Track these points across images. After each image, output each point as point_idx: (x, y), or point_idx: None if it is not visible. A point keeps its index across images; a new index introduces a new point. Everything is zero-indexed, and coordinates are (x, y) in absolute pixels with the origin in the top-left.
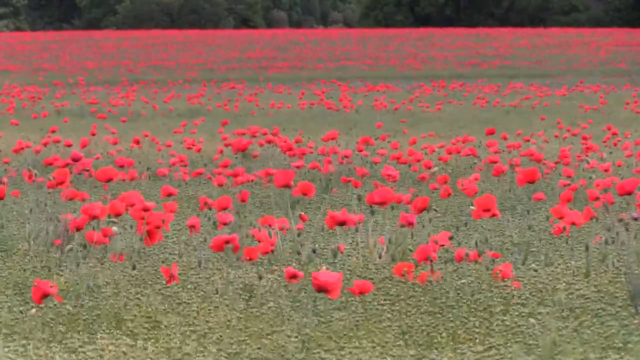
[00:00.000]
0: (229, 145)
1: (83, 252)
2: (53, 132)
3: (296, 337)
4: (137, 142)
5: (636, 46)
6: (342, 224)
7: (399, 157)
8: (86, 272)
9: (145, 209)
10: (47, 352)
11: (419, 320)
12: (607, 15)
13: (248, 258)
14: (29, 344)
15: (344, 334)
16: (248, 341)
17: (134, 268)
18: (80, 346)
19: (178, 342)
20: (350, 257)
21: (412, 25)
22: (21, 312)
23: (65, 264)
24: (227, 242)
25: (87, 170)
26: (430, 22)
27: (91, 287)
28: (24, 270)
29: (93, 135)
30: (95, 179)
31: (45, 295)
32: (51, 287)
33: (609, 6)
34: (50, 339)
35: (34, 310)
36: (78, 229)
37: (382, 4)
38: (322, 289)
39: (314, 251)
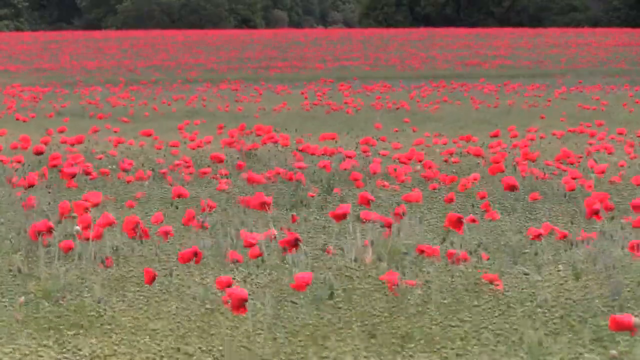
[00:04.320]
0: (232, 147)
1: (60, 254)
2: (62, 132)
3: (273, 339)
4: (138, 142)
5: (636, 46)
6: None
7: (400, 157)
8: (62, 274)
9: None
10: (39, 348)
11: (395, 323)
12: (607, 15)
13: (235, 260)
14: (22, 340)
15: (320, 336)
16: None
17: (79, 258)
18: (72, 343)
19: (159, 342)
20: (335, 258)
21: (412, 25)
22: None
23: (38, 266)
24: (194, 254)
25: (88, 171)
26: (430, 22)
27: (69, 289)
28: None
29: (95, 132)
30: (94, 178)
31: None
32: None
33: (608, 6)
34: (34, 337)
35: (22, 299)
36: (50, 230)
37: (382, 4)
38: (242, 302)
39: (304, 252)
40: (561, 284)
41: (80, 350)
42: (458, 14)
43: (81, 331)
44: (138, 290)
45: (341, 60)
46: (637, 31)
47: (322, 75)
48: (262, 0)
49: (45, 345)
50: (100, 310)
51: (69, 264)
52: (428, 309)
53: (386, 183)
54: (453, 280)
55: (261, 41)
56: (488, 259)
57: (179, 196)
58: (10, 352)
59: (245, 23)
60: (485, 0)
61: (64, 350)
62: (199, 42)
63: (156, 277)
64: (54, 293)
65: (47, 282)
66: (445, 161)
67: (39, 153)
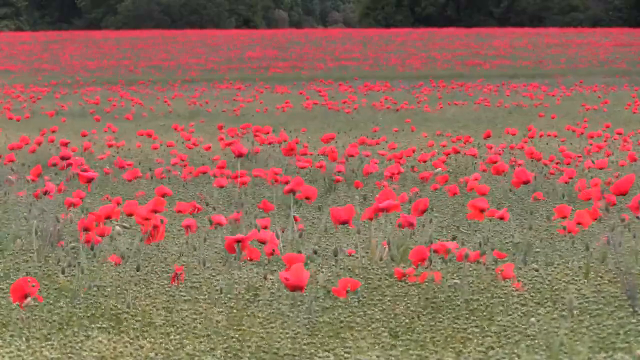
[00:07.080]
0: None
1: (86, 251)
2: (53, 131)
3: (292, 337)
4: (137, 143)
5: (636, 46)
6: (344, 222)
7: (400, 158)
8: (87, 271)
9: (155, 211)
10: (43, 348)
11: (416, 321)
12: (607, 15)
13: (249, 259)
14: (24, 341)
15: (339, 334)
16: (242, 341)
17: (138, 269)
18: (77, 343)
19: (174, 341)
20: (355, 258)
21: (413, 25)
22: (13, 309)
23: (65, 263)
24: (237, 241)
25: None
26: (431, 22)
27: (93, 286)
28: (19, 269)
29: (93, 134)
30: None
31: (26, 295)
32: (33, 286)
33: (609, 6)
34: (48, 336)
35: (29, 299)
36: (86, 229)
37: (382, 4)
38: (295, 288)
39: (315, 252)
40: (573, 282)
41: (87, 350)
42: (458, 14)
43: (104, 330)
44: (165, 289)
45: (341, 60)
46: (637, 31)
47: (322, 75)
48: (263, 1)
49: (52, 347)
50: (126, 308)
51: (105, 265)
52: (448, 307)
53: (385, 183)
54: (471, 282)
55: (261, 41)
56: (501, 257)
57: (163, 195)
58: (12, 351)
59: (245, 24)
60: (485, 1)
61: (69, 349)
62: (199, 42)
63: (177, 275)
64: (84, 289)
65: (79, 279)
66: (444, 161)
67: (65, 157)
